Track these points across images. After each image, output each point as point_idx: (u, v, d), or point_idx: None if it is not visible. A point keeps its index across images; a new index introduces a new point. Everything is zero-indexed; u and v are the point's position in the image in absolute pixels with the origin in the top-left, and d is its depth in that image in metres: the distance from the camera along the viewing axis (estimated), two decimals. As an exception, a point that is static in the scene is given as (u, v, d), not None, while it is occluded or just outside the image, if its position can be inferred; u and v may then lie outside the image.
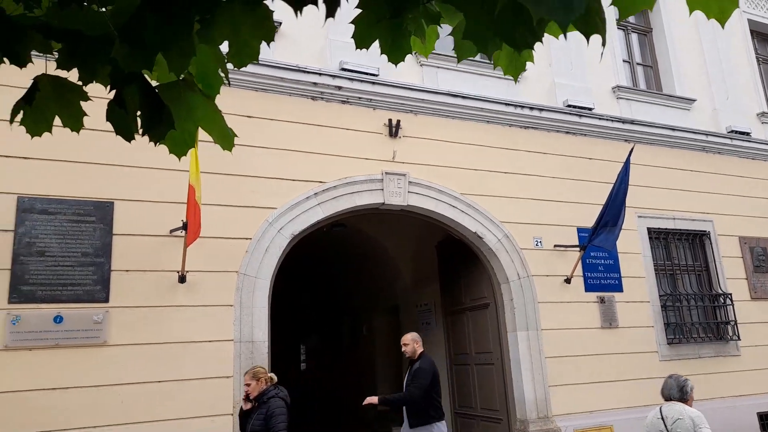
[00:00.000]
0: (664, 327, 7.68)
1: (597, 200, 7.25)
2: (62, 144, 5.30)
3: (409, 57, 6.43)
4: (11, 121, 1.48)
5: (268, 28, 1.34)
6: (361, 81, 6.60)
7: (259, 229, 5.87)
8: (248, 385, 4.69)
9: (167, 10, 1.14)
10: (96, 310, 5.13)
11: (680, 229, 8.25)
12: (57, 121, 1.51)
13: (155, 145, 1.45)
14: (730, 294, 8.12)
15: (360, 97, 6.62)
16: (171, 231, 5.46)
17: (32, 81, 1.38)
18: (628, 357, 7.32)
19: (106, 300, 5.18)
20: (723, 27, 1.34)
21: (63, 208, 5.19)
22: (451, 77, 7.27)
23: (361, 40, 1.43)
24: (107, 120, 1.40)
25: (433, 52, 7.23)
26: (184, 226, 5.22)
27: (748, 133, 9.17)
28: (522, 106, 7.48)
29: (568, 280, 7.17)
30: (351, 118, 6.57)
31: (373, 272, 11.42)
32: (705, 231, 8.39)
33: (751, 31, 10.24)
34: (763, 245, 8.75)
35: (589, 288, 7.33)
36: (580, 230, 7.40)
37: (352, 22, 1.44)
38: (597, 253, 7.35)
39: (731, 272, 8.38)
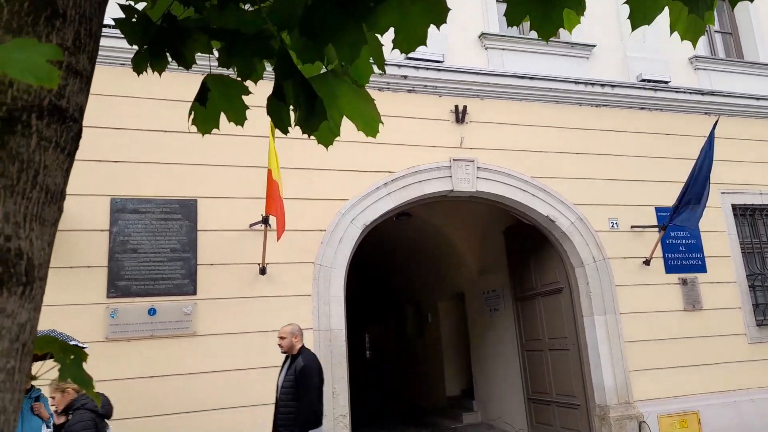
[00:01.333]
0: (752, 308, 7.28)
1: (676, 177, 6.93)
2: (148, 146, 5.60)
3: (474, 40, 6.33)
4: (188, 122, 1.57)
5: (439, 11, 1.30)
6: (426, 69, 6.56)
7: (332, 220, 5.99)
8: (53, 398, 4.16)
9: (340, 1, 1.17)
10: (185, 302, 5.41)
11: (767, 205, 7.75)
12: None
13: (308, 136, 1.51)
14: (827, 272, 7.59)
15: (426, 85, 6.59)
16: (251, 225, 5.67)
17: (202, 81, 1.46)
18: (714, 340, 7.00)
19: (194, 293, 5.45)
20: (694, 47, 1.23)
21: (151, 207, 5.48)
22: (516, 58, 7.11)
23: (513, 17, 1.38)
24: (268, 113, 1.44)
25: (497, 34, 7.11)
26: (264, 220, 5.41)
27: (842, 98, 8.46)
28: (593, 84, 7.22)
29: (647, 262, 6.91)
30: (417, 107, 6.56)
31: (437, 260, 11.42)
32: (796, 206, 7.85)
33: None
34: None
35: (670, 269, 7.04)
36: (658, 209, 7.10)
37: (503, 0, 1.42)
38: (677, 233, 7.04)
39: (827, 249, 7.81)
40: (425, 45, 1.36)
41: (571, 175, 6.97)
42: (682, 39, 1.52)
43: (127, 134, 5.57)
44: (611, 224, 6.99)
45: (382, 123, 1.54)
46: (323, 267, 5.88)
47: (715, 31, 8.63)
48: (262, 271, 5.61)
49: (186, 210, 5.57)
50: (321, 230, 5.94)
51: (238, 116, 1.54)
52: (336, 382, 5.71)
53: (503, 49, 7.07)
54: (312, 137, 1.51)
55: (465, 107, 6.65)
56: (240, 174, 5.77)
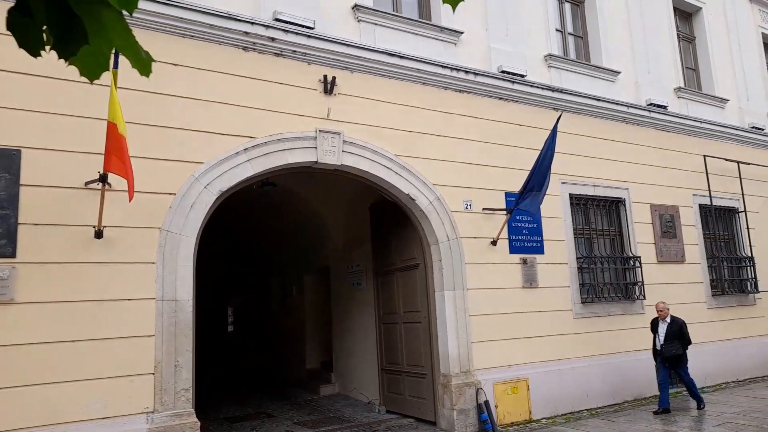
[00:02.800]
0: (579, 287, 8.17)
1: (525, 166, 7.49)
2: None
3: (347, 11, 6.24)
4: None
5: None
6: (296, 33, 6.34)
7: (184, 184, 5.61)
8: None
9: None
10: (1, 265, 4.75)
11: (599, 196, 8.72)
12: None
13: (66, 63, 1.29)
14: (639, 257, 8.74)
15: (294, 51, 6.37)
16: (87, 183, 5.11)
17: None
18: (546, 315, 7.76)
19: (13, 255, 4.81)
20: (454, 11, 1.30)
21: (-41, 155, 4.70)
22: (388, 35, 7.15)
23: None
24: (8, 29, 1.20)
25: (371, 7, 7.08)
26: (102, 178, 4.89)
27: (665, 107, 9.73)
28: (458, 69, 7.50)
29: (494, 242, 7.43)
30: (284, 72, 6.33)
31: (304, 233, 11.33)
32: (621, 198, 8.92)
33: (674, 8, 10.73)
34: (671, 212, 9.44)
35: (513, 250, 7.63)
36: (507, 194, 7.64)
37: None
38: (522, 216, 7.65)
39: (642, 237, 9.00)
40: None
41: (433, 156, 7.23)
42: (444, 1, 1.52)
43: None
44: (465, 205, 7.39)
45: (116, 65, 1.38)
46: (171, 233, 5.50)
47: (569, 34, 9.41)
48: (98, 235, 5.10)
49: (6, 160, 4.86)
50: (170, 194, 5.54)
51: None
52: (179, 355, 5.42)
53: (376, 24, 7.06)
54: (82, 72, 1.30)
55: (334, 78, 6.56)
56: (77, 124, 5.16)
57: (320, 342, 11.38)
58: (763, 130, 11.33)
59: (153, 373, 5.25)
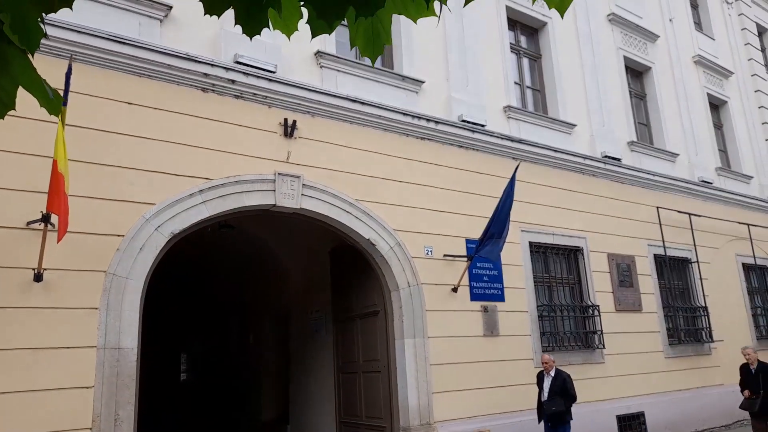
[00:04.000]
0: (540, 335, 8.13)
1: (485, 213, 7.53)
2: None
3: (309, 57, 6.28)
4: None
5: None
6: (257, 77, 6.34)
7: (134, 225, 5.39)
8: None
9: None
10: (-76, 310, 4.40)
11: (558, 244, 8.82)
12: None
13: None
14: (598, 306, 8.81)
15: (255, 93, 6.35)
16: (28, 223, 4.85)
17: None
18: (507, 364, 7.66)
19: (-62, 299, 4.46)
20: (562, 17, 1.37)
21: None
22: (350, 82, 7.23)
23: (211, 6, 1.27)
24: None
25: (333, 54, 7.17)
26: (44, 218, 4.66)
27: (619, 159, 10.08)
28: (419, 117, 7.61)
29: (455, 289, 7.36)
30: (244, 114, 6.29)
31: (263, 277, 11.05)
32: (579, 247, 9.06)
33: (626, 67, 11.30)
34: (627, 262, 9.62)
35: (474, 297, 7.58)
36: (468, 241, 7.65)
37: None
38: (483, 264, 7.64)
39: (600, 285, 9.10)
40: (70, 7, 1.18)
41: (394, 202, 7.21)
42: (362, 54, 1.56)
43: None
44: (426, 251, 7.35)
45: (65, 102, 1.31)
46: (117, 277, 5.24)
47: (527, 87, 9.75)
48: (38, 278, 4.81)
49: (-62, 198, 4.58)
50: (118, 235, 5.30)
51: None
52: (120, 408, 5.06)
53: (338, 70, 7.15)
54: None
55: (295, 122, 6.54)
56: (17, 161, 4.94)
57: (277, 391, 10.91)
58: (711, 183, 11.84)
59: (90, 428, 4.87)
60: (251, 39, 1.36)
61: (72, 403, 4.85)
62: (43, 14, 1.21)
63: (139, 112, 5.65)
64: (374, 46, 1.48)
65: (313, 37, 1.51)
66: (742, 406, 7.99)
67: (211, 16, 1.31)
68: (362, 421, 7.63)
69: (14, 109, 1.31)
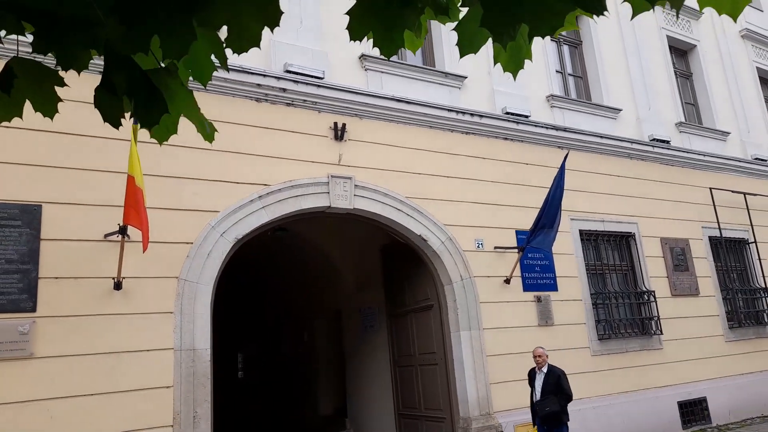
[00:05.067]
0: (595, 324, 8.10)
1: (534, 204, 7.56)
2: (-17, 142, 4.94)
3: (354, 61, 6.49)
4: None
5: (272, 12, 1.28)
6: (306, 83, 6.55)
7: (201, 233, 5.69)
8: None
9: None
10: (21, 320, 4.78)
11: (608, 231, 8.74)
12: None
13: (150, 132, 1.41)
14: (653, 291, 8.69)
15: (305, 100, 6.57)
16: (106, 235, 5.19)
17: (6, 64, 1.29)
18: (563, 353, 7.65)
19: (33, 309, 4.85)
20: (735, 21, 1.41)
21: (-16, 212, 4.80)
22: (395, 82, 7.36)
23: (355, 32, 1.40)
24: (96, 107, 1.32)
25: (377, 57, 7.33)
26: (121, 230, 4.98)
27: (667, 141, 9.87)
28: (463, 113, 7.68)
29: (507, 281, 7.42)
30: (296, 121, 6.51)
31: (315, 277, 11.32)
32: (630, 233, 8.94)
33: (669, 47, 11.03)
34: (681, 246, 9.43)
35: (527, 288, 7.62)
36: (518, 233, 7.68)
37: (347, 13, 1.42)
38: (533, 254, 7.66)
39: (654, 271, 8.97)
40: (258, 47, 1.36)
41: (443, 197, 7.32)
42: (504, 70, 1.66)
43: (-42, 127, 4.86)
44: (477, 244, 7.43)
45: (217, 131, 1.50)
46: (188, 282, 5.54)
47: (569, 74, 9.66)
48: (117, 286, 5.15)
49: (27, 216, 4.96)
50: (187, 243, 5.61)
51: (47, 108, 1.40)
52: (198, 406, 5.37)
53: (382, 72, 7.29)
54: (158, 140, 1.41)
55: (344, 125, 6.73)
56: (94, 178, 5.29)
57: (334, 387, 11.19)
58: (766, 161, 11.44)
59: (172, 425, 5.19)
60: (388, 58, 1.49)
61: (153, 402, 5.18)
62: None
63: (199, 124, 5.93)
64: (516, 61, 1.58)
65: (461, 57, 1.62)
66: None
67: (353, 41, 1.44)
68: (421, 413, 7.79)
69: (176, 133, 1.52)
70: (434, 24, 8.25)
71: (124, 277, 5.17)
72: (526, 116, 8.28)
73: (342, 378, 10.62)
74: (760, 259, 10.40)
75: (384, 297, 8.81)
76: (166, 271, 5.45)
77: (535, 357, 6.25)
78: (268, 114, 6.35)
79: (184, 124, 1.75)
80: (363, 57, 7.13)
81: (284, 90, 6.41)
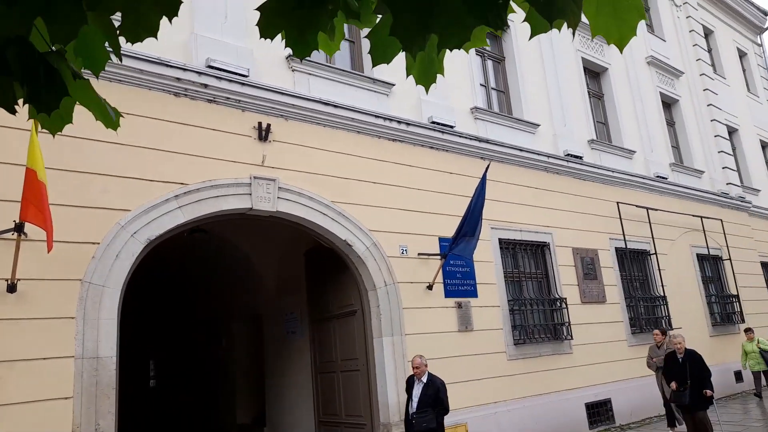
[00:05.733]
0: (511, 329, 8.39)
1: (456, 212, 7.74)
2: None
3: (281, 61, 6.36)
4: None
5: (171, 2, 1.21)
6: (230, 81, 6.34)
7: (109, 232, 5.33)
8: None
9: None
10: None
11: (526, 240, 9.12)
12: None
13: (48, 116, 1.27)
14: (565, 298, 9.15)
15: (228, 98, 6.35)
16: (0, 232, 4.73)
17: None
18: (481, 358, 7.88)
19: None
20: (621, 52, 1.48)
21: None
22: (323, 85, 7.30)
23: (266, 30, 1.35)
24: None
25: (306, 58, 7.22)
26: (17, 228, 4.57)
27: (580, 157, 10.47)
28: (390, 119, 7.75)
29: (430, 287, 7.53)
30: (218, 119, 6.28)
31: (235, 280, 10.96)
32: (545, 242, 9.38)
33: (584, 68, 11.74)
34: (591, 255, 10.01)
35: (448, 294, 7.77)
36: (441, 240, 7.83)
37: (258, 9, 1.36)
38: (455, 261, 7.83)
39: (566, 279, 9.44)
40: (155, 37, 1.27)
41: (368, 203, 7.32)
42: (416, 83, 1.65)
43: None
44: (401, 251, 7.49)
45: (123, 116, 1.39)
46: (93, 285, 5.17)
47: (492, 88, 10.02)
48: (11, 289, 4.70)
49: None
50: (94, 243, 5.23)
51: None
52: (101, 418, 5.00)
53: (310, 74, 7.20)
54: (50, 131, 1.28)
55: (269, 125, 6.57)
56: (-13, 171, 4.82)
57: (252, 394, 10.86)
58: (666, 178, 12.43)
59: (70, 439, 4.79)
60: (301, 61, 1.44)
61: (51, 414, 4.77)
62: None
63: (111, 117, 5.56)
64: (428, 75, 1.57)
65: (374, 66, 1.59)
66: (672, 400, 7.45)
67: (263, 38, 1.38)
68: (342, 419, 7.71)
69: (71, 123, 1.40)
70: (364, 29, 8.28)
71: (19, 279, 4.73)
72: (451, 126, 8.49)
73: (261, 385, 10.33)
74: (659, 269, 11.24)
75: (307, 302, 8.68)
76: (68, 272, 5.05)
77: (413, 367, 5.83)
78: (188, 110, 6.08)
79: (90, 115, 1.62)
80: (290, 57, 7.01)
81: (206, 86, 6.17)
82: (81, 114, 1.43)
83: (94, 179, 5.35)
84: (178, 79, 6.01)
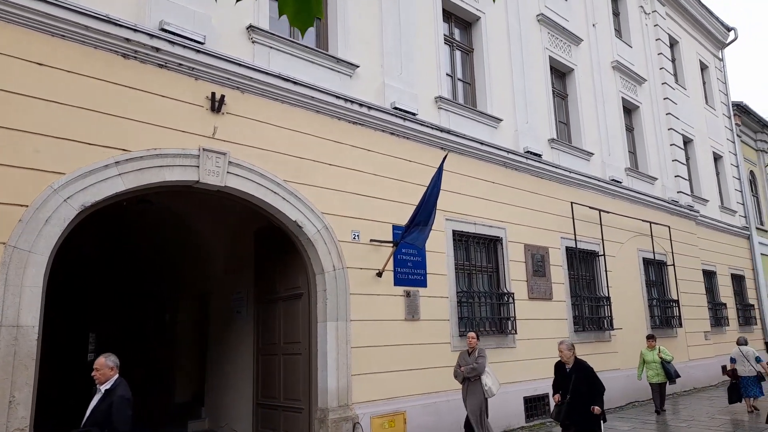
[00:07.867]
0: (458, 320, 8.43)
1: (412, 200, 7.67)
2: None
3: (241, 31, 6.07)
4: None
5: None
6: (184, 46, 6.04)
7: (39, 195, 5.01)
8: None
9: None
10: None
11: (479, 234, 9.15)
12: None
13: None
14: (513, 293, 9.25)
15: (181, 64, 6.05)
16: None
17: None
18: (426, 347, 7.89)
19: None
20: (302, 36, 1.41)
21: None
22: (284, 60, 7.06)
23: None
24: None
25: (266, 30, 6.98)
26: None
27: (540, 155, 10.56)
28: (352, 102, 7.57)
29: (380, 274, 7.46)
30: (168, 85, 5.98)
31: (183, 255, 10.65)
32: (498, 237, 9.44)
33: (551, 67, 11.80)
34: (541, 253, 10.15)
35: (398, 282, 7.72)
36: (394, 227, 7.76)
37: None
38: (407, 249, 7.78)
39: (515, 274, 9.55)
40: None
41: (322, 185, 7.16)
42: (291, 24, 1.50)
43: None
44: (353, 236, 7.38)
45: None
46: (18, 250, 4.86)
47: (458, 79, 9.96)
48: (-76, 248, 4.37)
49: None
50: (21, 205, 4.91)
51: None
52: (16, 390, 4.73)
53: (271, 47, 6.95)
54: None
55: (223, 96, 6.31)
56: None
57: (194, 372, 10.62)
58: (620, 182, 12.70)
59: (-19, 412, 4.52)
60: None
61: (-39, 384, 4.48)
62: None
63: (50, 73, 5.22)
64: (304, 16, 1.41)
65: (279, 18, 1.45)
66: (552, 415, 6.73)
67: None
68: (280, 403, 7.61)
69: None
70: (331, 7, 8.05)
71: (-67, 239, 4.40)
72: (414, 114, 8.38)
73: (203, 364, 10.10)
74: (606, 270, 11.52)
75: (254, 282, 8.50)
76: (-9, 235, 4.73)
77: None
78: (136, 73, 5.76)
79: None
80: (251, 28, 6.74)
81: (157, 50, 5.85)
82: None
83: (26, 137, 5.01)
84: (128, 40, 5.68)
